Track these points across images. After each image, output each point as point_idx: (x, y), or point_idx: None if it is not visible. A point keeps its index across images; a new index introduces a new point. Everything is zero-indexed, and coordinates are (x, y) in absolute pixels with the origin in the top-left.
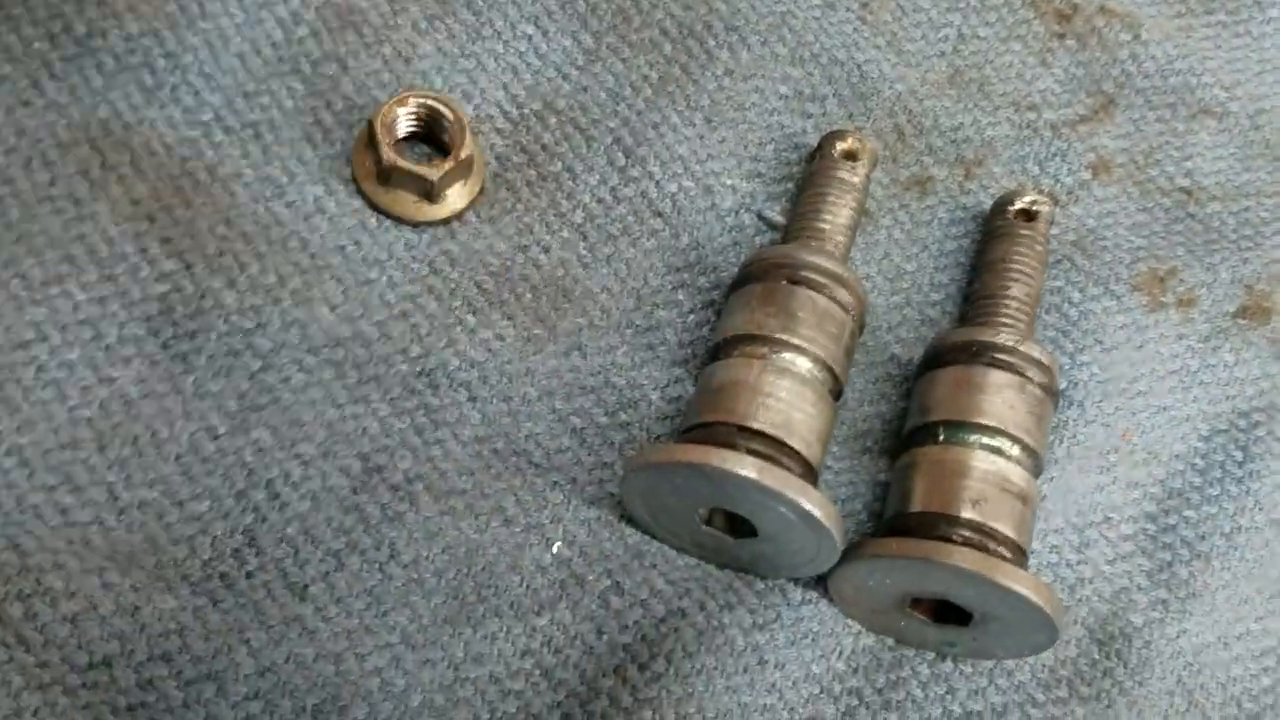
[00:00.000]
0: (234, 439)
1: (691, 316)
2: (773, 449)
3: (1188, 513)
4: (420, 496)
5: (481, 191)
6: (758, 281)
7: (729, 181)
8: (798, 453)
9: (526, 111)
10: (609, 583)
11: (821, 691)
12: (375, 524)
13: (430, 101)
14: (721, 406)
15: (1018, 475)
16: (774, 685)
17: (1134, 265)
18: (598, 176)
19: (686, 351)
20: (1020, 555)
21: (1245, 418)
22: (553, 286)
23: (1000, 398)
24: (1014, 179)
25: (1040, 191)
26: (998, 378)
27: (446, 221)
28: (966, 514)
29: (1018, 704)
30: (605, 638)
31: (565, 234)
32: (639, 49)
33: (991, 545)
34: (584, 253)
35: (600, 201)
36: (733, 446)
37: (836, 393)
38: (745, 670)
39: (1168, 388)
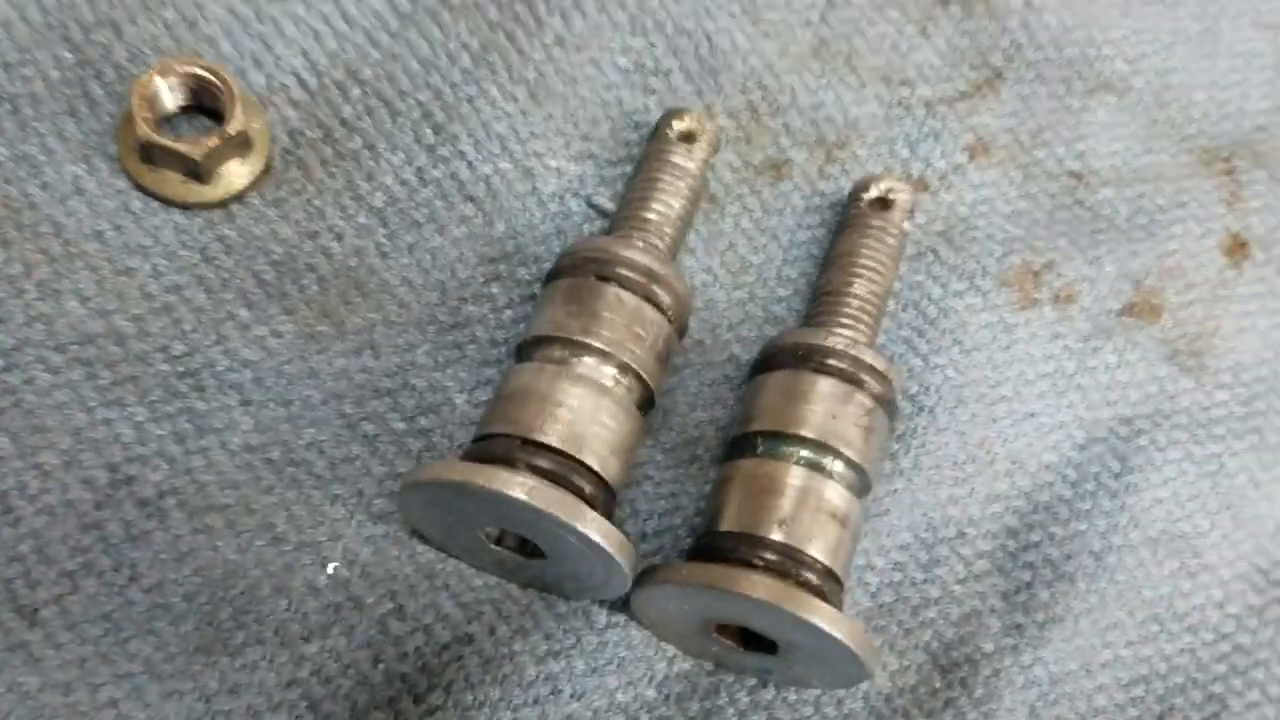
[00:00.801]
0: None
1: (507, 312)
2: (559, 465)
3: (1054, 529)
4: (171, 513)
5: (267, 170)
6: (567, 277)
7: (554, 163)
8: (589, 469)
9: (327, 81)
10: (391, 606)
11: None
12: (116, 543)
13: (195, 70)
14: (509, 417)
15: (836, 494)
16: (571, 717)
17: (1005, 258)
18: (402, 155)
19: (499, 351)
20: (832, 581)
21: (1128, 424)
22: (344, 278)
23: (824, 408)
24: (881, 163)
25: (901, 178)
26: (824, 386)
27: (224, 204)
28: (773, 536)
29: None
30: (382, 666)
31: (362, 219)
32: (460, 12)
33: (796, 571)
34: (383, 240)
35: (404, 184)
36: (512, 463)
37: (646, 402)
38: (536, 702)
39: (1038, 392)
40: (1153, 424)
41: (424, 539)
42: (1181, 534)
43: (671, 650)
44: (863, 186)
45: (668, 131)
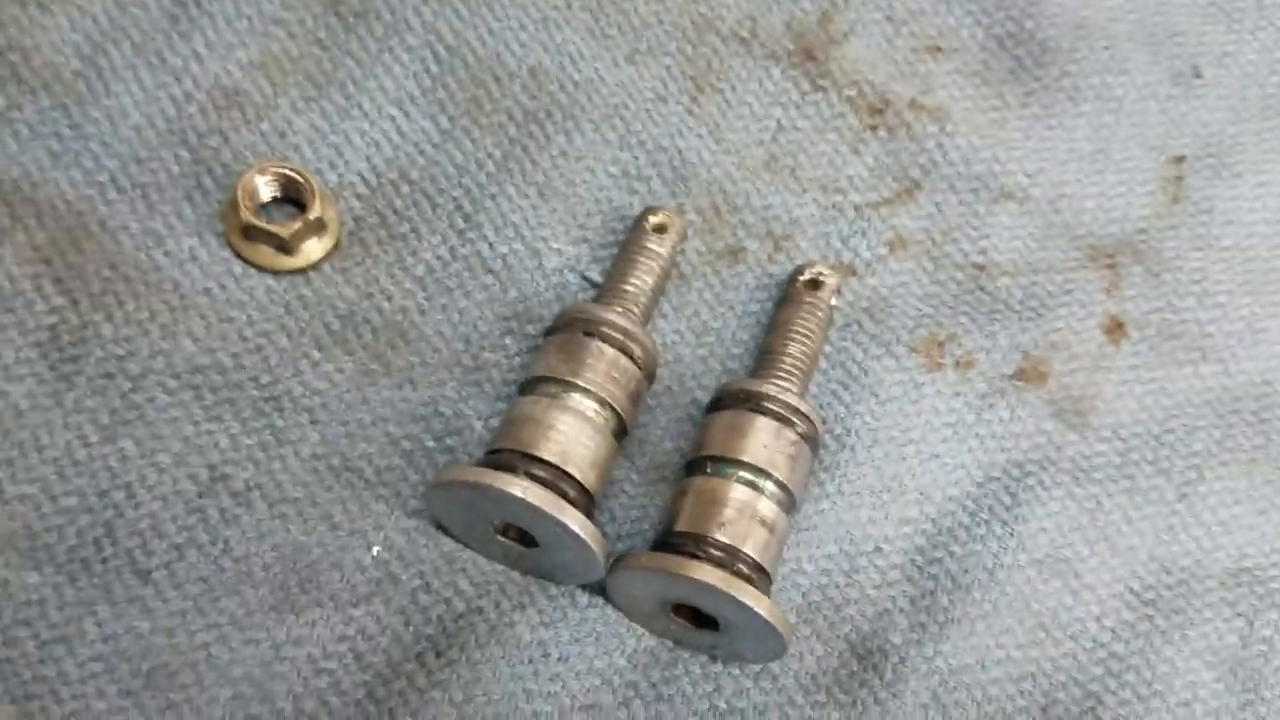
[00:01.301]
0: (103, 448)
1: (517, 359)
2: (550, 474)
3: (954, 548)
4: (256, 503)
5: (336, 246)
6: (561, 332)
7: (555, 245)
8: (574, 478)
9: (384, 180)
10: (420, 582)
11: (602, 683)
12: (214, 524)
13: (286, 170)
14: (512, 436)
15: (766, 507)
16: (557, 675)
17: (916, 330)
18: (439, 237)
19: (510, 388)
20: (761, 574)
21: (1019, 467)
22: (391, 329)
23: (760, 439)
24: (818, 252)
25: (830, 266)
26: (760, 422)
27: (303, 271)
28: (716, 535)
29: (778, 704)
30: (411, 629)
31: (407, 285)
32: (487, 130)
33: (733, 564)
34: (422, 301)
35: (439, 258)
36: (513, 470)
37: (620, 431)
38: (530, 661)
39: (941, 438)
40: (1040, 468)
41: (447, 532)
42: (1064, 558)
43: (640, 629)
44: (799, 270)
45: (645, 224)
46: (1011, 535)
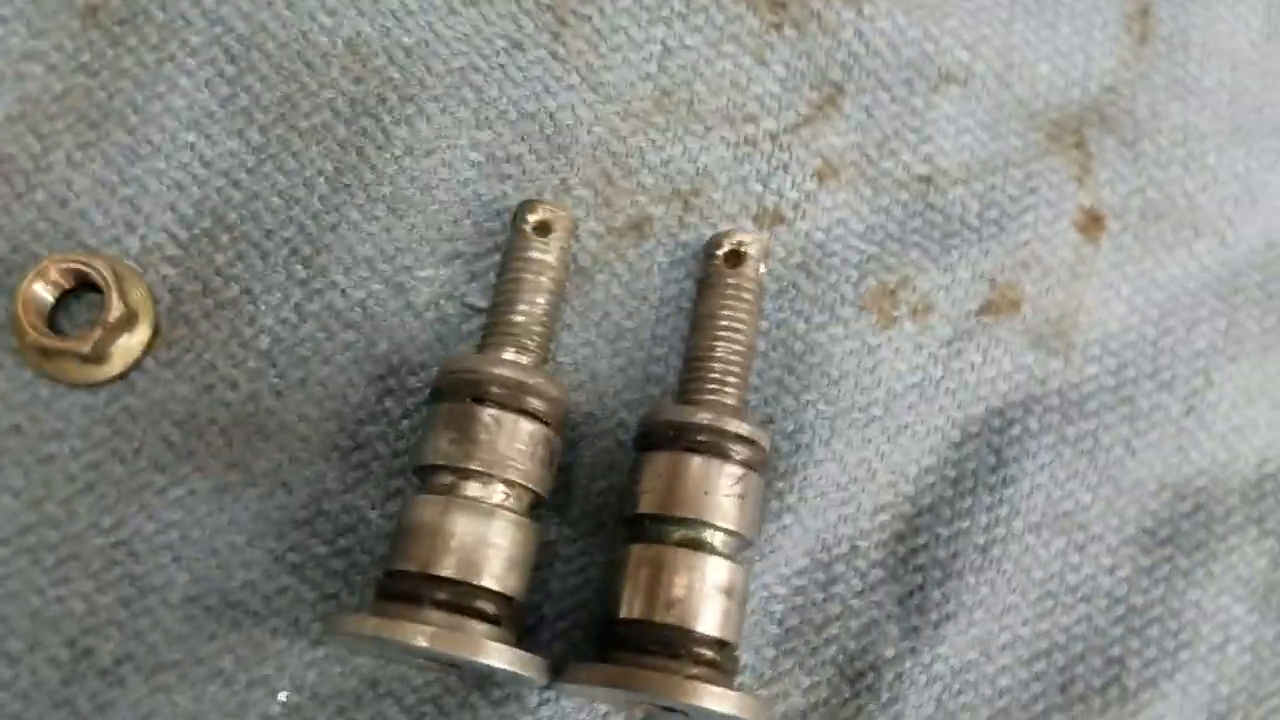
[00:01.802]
0: None
1: (404, 423)
2: (458, 594)
3: (940, 530)
4: (129, 678)
5: (156, 334)
6: (445, 400)
7: (423, 274)
8: (488, 591)
9: (197, 232)
10: None
11: None
12: (86, 715)
13: (69, 265)
14: (408, 554)
15: (717, 569)
16: None
17: (862, 282)
18: (279, 295)
19: (402, 459)
20: (724, 649)
21: (1000, 416)
22: (244, 425)
23: (697, 487)
24: (735, 203)
25: (755, 215)
26: (696, 465)
27: (122, 376)
28: (664, 618)
29: None
30: None
31: (251, 364)
32: (310, 136)
33: (689, 654)
34: (275, 381)
35: (284, 323)
36: (417, 600)
37: (536, 505)
38: None
39: (908, 404)
40: (1024, 411)
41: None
42: (1065, 512)
43: (603, 708)
44: (715, 243)
45: (524, 226)
46: (1001, 501)
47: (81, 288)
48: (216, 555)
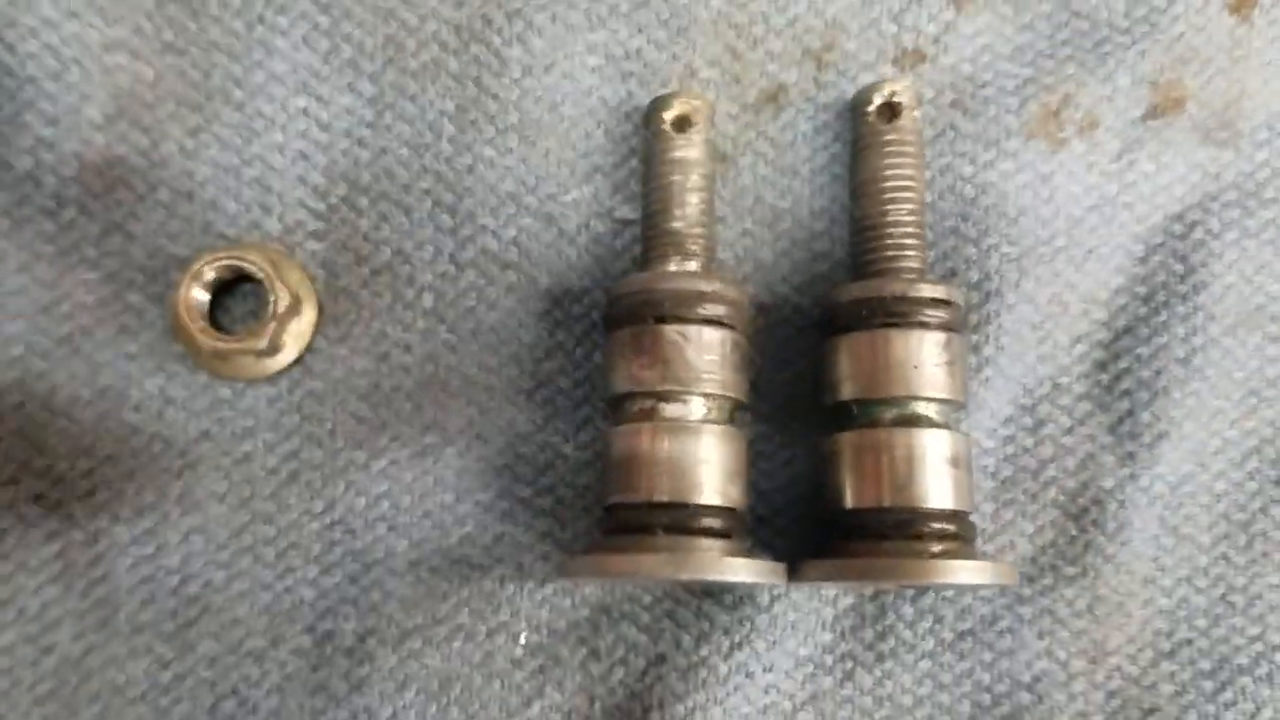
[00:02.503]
0: (183, 662)
1: (578, 350)
2: (685, 516)
3: (1139, 350)
4: (376, 652)
5: (321, 313)
6: (625, 325)
7: (568, 197)
8: (713, 507)
9: (334, 200)
10: (585, 651)
11: (815, 669)
12: (343, 696)
13: (225, 262)
14: (626, 484)
15: (939, 442)
16: (768, 687)
17: (1023, 108)
18: (431, 249)
19: (584, 389)
20: (960, 521)
21: (1180, 221)
22: (428, 386)
23: (905, 362)
24: (872, 49)
25: (896, 76)
26: (899, 340)
27: (299, 361)
28: (894, 502)
29: (1005, 606)
30: (597, 704)
31: (421, 324)
32: (424, 76)
33: (926, 535)
34: (447, 336)
35: (443, 276)
36: (647, 529)
37: (739, 409)
38: (737, 689)
39: (1089, 228)
40: (1203, 211)
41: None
42: (1257, 306)
43: (832, 591)
44: (864, 100)
45: (662, 125)
46: (1195, 309)
47: (235, 280)
48: (430, 517)
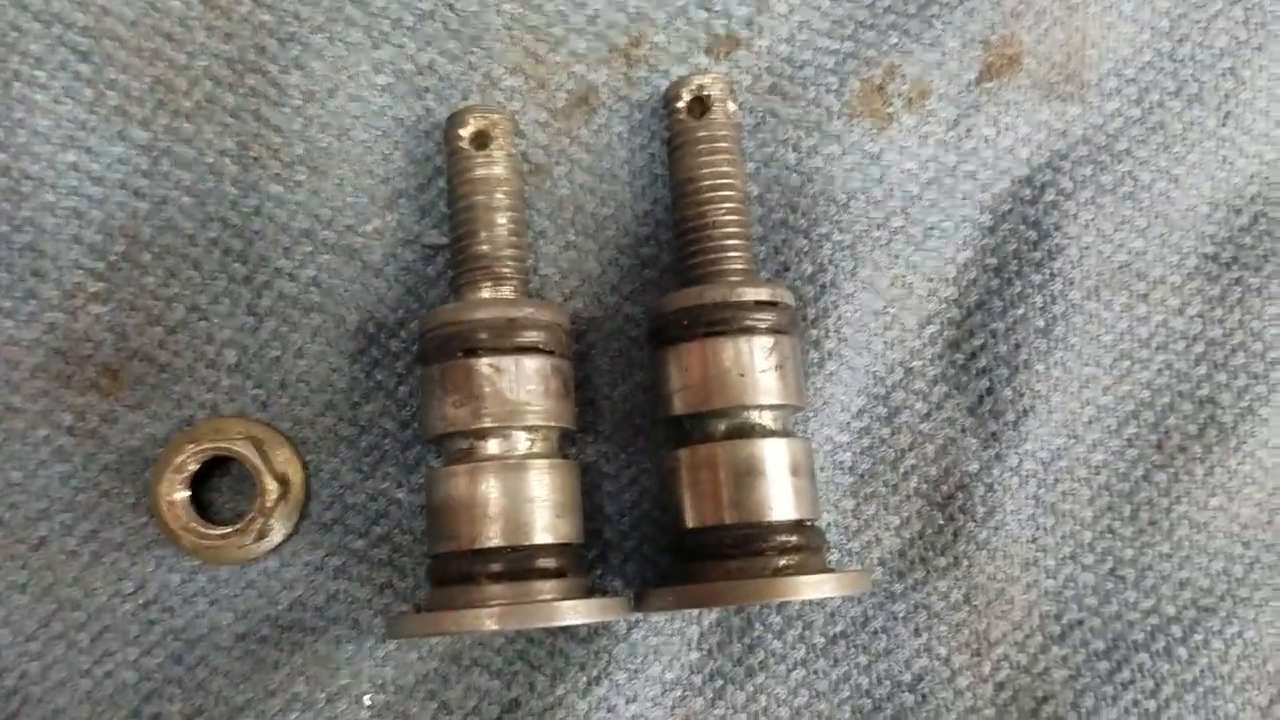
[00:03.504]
0: None
1: (401, 389)
2: (515, 561)
3: (994, 324)
4: None
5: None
6: (435, 361)
7: (369, 228)
8: (545, 545)
9: (114, 258)
10: (435, 706)
11: (684, 692)
12: None
13: (210, 451)
14: (449, 533)
15: (775, 449)
16: (635, 716)
17: (844, 87)
18: (227, 301)
19: (414, 428)
20: (804, 528)
21: (1029, 185)
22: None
23: (732, 370)
24: (682, 39)
25: (706, 68)
26: (724, 349)
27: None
28: (735, 519)
29: (877, 605)
30: None
31: (225, 381)
32: (198, 116)
33: (773, 542)
34: (256, 392)
35: (243, 329)
36: (474, 579)
37: (567, 438)
38: None
39: (928, 203)
40: (1053, 171)
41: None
42: (1120, 265)
43: (695, 610)
44: (673, 95)
45: (459, 144)
46: (1053, 275)
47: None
48: (253, 585)
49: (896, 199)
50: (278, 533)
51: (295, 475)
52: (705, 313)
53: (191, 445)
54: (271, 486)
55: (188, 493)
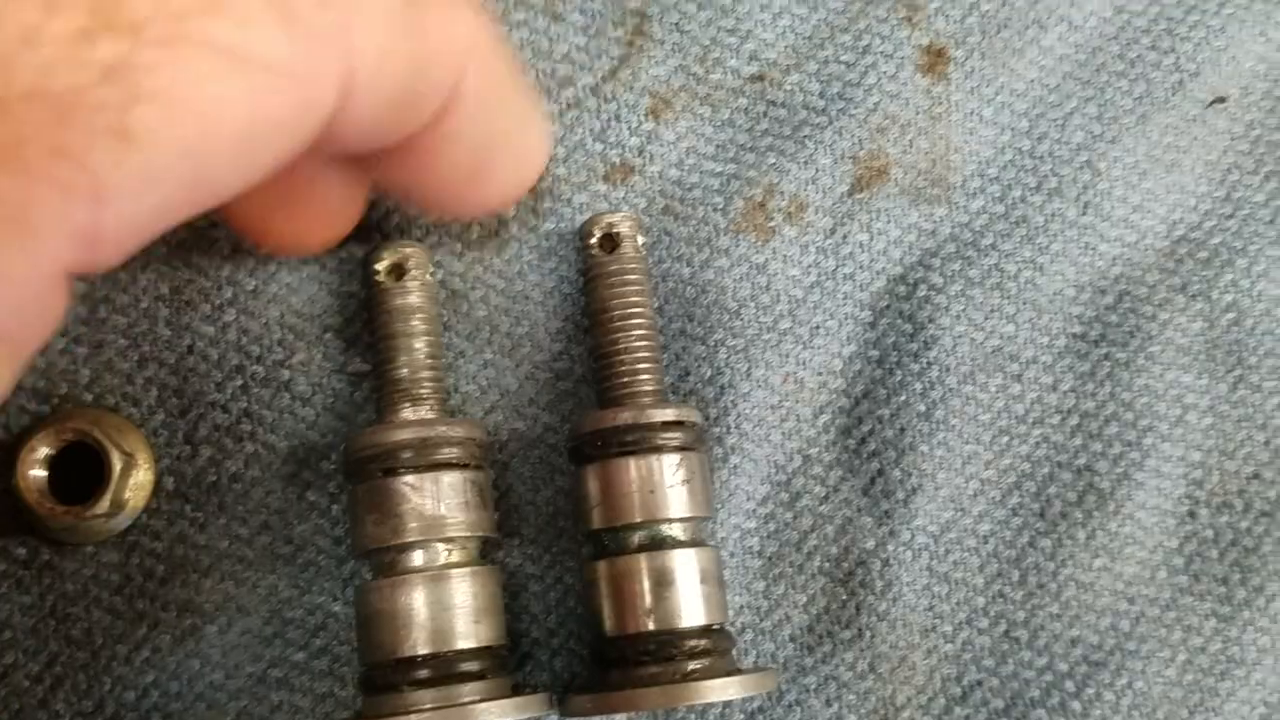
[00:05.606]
0: None
1: (335, 507)
2: (438, 668)
3: (880, 411)
4: None
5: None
6: (359, 481)
7: (295, 360)
8: (467, 650)
9: (57, 403)
10: None
11: None
12: None
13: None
14: (377, 643)
15: (684, 559)
16: None
17: (729, 206)
18: (165, 433)
19: (347, 543)
20: (713, 633)
21: (903, 282)
22: (181, 568)
23: (642, 487)
24: (582, 170)
25: (613, 212)
26: (633, 468)
27: (49, 564)
28: (646, 627)
29: (790, 680)
30: None
31: (166, 508)
32: (134, 265)
33: (682, 648)
34: (194, 515)
35: (179, 458)
36: (397, 688)
37: (487, 544)
38: None
39: (812, 305)
40: (924, 269)
41: None
42: (993, 349)
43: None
44: (586, 233)
45: (376, 277)
46: (930, 364)
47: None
48: (203, 698)
49: (783, 303)
50: (131, 506)
51: (143, 454)
52: (618, 434)
53: (47, 433)
54: (118, 461)
55: (44, 473)
